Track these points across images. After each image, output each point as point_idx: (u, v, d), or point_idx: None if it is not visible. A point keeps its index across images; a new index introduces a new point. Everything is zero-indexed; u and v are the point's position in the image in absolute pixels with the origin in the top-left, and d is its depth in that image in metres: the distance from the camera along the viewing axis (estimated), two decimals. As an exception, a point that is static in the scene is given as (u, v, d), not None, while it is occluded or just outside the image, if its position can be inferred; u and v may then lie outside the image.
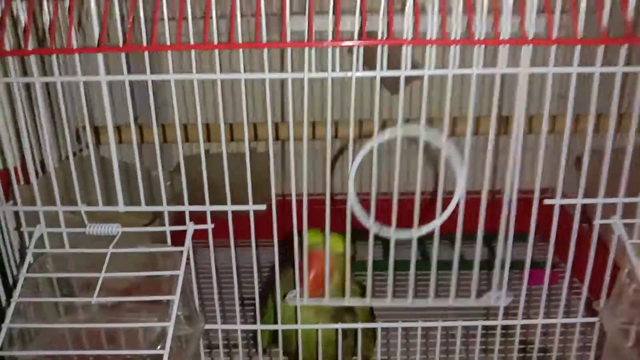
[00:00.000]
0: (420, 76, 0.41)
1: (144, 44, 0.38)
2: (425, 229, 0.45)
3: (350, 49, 0.40)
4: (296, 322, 0.49)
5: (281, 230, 0.47)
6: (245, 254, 0.48)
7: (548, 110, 0.43)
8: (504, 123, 0.58)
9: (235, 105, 0.45)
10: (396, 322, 0.50)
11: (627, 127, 0.43)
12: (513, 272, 0.49)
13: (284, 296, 0.49)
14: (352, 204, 0.44)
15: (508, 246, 0.46)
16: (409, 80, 0.41)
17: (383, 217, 0.46)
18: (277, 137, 0.56)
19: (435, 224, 0.45)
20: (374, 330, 0.55)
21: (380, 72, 0.41)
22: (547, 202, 0.45)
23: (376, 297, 0.49)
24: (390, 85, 0.47)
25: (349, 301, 0.49)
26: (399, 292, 0.49)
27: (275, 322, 0.50)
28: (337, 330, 0.50)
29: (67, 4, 0.37)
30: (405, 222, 0.46)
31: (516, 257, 0.48)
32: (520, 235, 0.47)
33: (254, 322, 0.50)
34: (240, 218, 0.47)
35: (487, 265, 0.49)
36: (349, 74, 0.40)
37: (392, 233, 0.45)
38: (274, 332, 0.51)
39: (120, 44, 0.39)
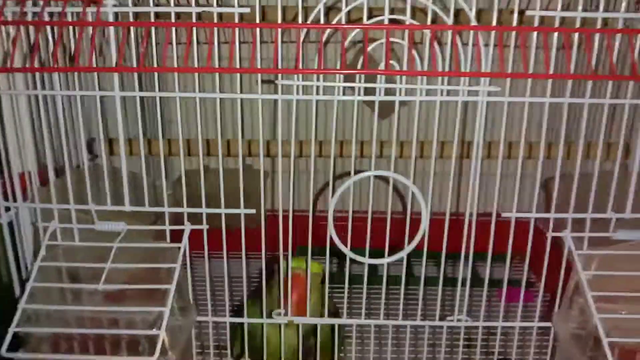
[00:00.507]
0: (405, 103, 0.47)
1: (155, 65, 0.45)
2: (394, 257, 0.51)
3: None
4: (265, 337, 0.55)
5: (271, 244, 0.53)
6: (237, 265, 0.54)
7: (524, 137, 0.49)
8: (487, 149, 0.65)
9: (234, 122, 0.51)
10: (369, 320, 0.56)
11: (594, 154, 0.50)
12: (492, 290, 0.55)
13: (270, 313, 0.55)
14: (331, 233, 0.51)
15: (468, 267, 0.52)
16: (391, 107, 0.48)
17: (360, 237, 0.52)
18: (268, 154, 0.62)
19: (403, 254, 0.51)
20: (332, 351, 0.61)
21: (378, 97, 0.47)
22: (504, 214, 0.51)
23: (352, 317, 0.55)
24: (380, 111, 0.53)
25: (324, 320, 0.55)
26: (374, 309, 0.55)
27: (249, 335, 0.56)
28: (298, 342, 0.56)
29: (90, 30, 0.43)
30: (380, 241, 0.52)
31: (496, 276, 0.55)
32: (500, 256, 0.53)
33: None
34: (234, 233, 0.52)
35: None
36: (334, 97, 0.47)
37: (366, 259, 0.51)
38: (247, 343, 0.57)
39: (134, 64, 0.46)
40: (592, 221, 0.52)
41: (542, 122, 0.48)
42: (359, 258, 0.52)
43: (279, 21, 0.45)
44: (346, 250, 0.51)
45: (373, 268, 0.53)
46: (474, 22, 0.44)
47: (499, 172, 0.50)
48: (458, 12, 0.46)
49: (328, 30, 0.45)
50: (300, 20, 0.46)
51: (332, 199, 0.50)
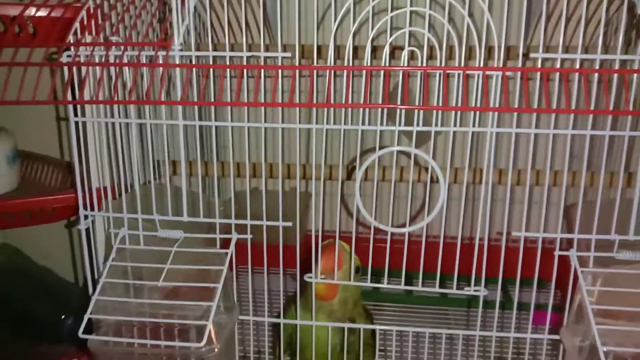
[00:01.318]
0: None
1: (212, 99, 0.54)
2: (416, 227, 0.55)
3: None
4: (309, 333, 0.61)
5: (305, 260, 0.60)
6: (275, 280, 0.61)
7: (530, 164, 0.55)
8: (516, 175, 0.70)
9: (274, 148, 0.59)
10: (391, 326, 0.62)
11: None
12: (521, 313, 0.60)
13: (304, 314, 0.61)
14: (358, 203, 0.56)
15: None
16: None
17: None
18: (304, 176, 0.70)
19: (423, 224, 0.56)
20: (374, 348, 0.66)
21: (416, 127, 0.54)
22: (514, 234, 0.56)
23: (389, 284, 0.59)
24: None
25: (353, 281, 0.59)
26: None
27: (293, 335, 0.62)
28: (342, 344, 0.61)
29: (160, 71, 0.53)
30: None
31: (524, 300, 0.60)
32: (527, 280, 0.58)
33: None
34: (273, 248, 0.60)
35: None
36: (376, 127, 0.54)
37: (389, 228, 0.56)
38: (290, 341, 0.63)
39: (196, 97, 0.55)
40: (600, 243, 0.57)
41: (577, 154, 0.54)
42: (382, 226, 0.56)
43: (315, 62, 0.53)
44: (372, 219, 0.57)
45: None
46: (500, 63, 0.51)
47: (526, 198, 0.56)
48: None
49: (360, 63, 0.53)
50: (331, 58, 0.54)
51: (358, 171, 0.56)
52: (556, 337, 0.59)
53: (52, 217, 0.70)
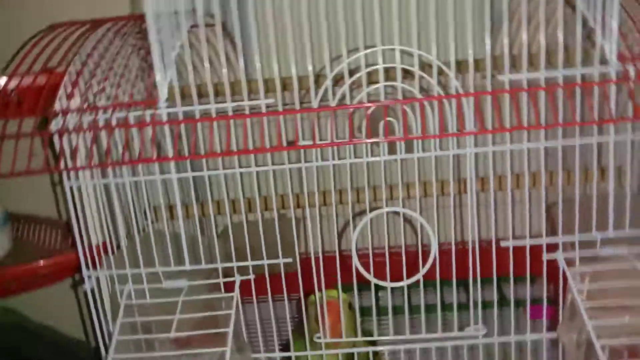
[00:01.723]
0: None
1: (202, 153, 0.56)
2: (412, 280, 0.60)
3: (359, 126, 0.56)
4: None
5: (306, 284, 0.63)
6: (280, 306, 0.64)
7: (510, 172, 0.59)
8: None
9: (267, 183, 0.62)
10: (398, 345, 0.64)
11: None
12: (518, 310, 0.63)
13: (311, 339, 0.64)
14: (356, 264, 0.60)
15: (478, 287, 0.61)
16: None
17: (381, 269, 0.61)
18: (298, 205, 0.72)
19: (419, 276, 0.60)
20: None
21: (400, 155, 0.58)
22: (502, 244, 0.60)
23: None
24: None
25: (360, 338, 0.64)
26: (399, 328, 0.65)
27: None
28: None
29: (149, 131, 0.55)
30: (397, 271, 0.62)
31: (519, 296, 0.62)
32: (520, 278, 0.61)
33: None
34: (275, 277, 0.63)
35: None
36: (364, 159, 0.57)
37: (388, 284, 0.61)
38: None
39: (186, 149, 0.57)
40: (584, 242, 0.60)
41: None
42: (381, 283, 0.61)
43: (297, 106, 0.56)
44: (370, 277, 0.60)
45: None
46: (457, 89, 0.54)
47: (509, 207, 0.59)
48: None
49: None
50: (312, 92, 0.57)
51: (354, 232, 0.60)
52: (554, 335, 0.62)
53: (53, 279, 0.71)
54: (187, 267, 0.62)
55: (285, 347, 0.68)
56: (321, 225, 0.64)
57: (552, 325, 0.63)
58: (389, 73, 0.65)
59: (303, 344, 0.65)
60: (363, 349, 0.65)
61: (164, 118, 0.57)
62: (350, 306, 0.66)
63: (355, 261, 0.60)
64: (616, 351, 0.55)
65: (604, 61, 0.55)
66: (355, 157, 0.59)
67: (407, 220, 0.78)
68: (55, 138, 0.57)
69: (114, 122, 0.57)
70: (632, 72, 0.53)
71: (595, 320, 0.55)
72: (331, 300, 0.63)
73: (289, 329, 0.64)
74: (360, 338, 0.64)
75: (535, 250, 0.60)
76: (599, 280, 0.58)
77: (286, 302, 0.63)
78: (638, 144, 0.62)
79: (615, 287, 0.57)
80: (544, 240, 0.60)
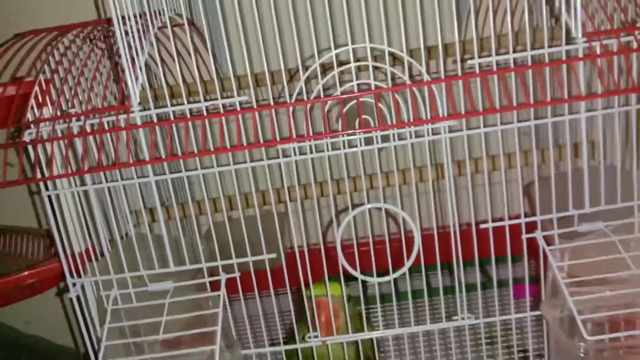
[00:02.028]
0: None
1: (179, 154, 0.56)
2: (398, 273, 0.61)
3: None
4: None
5: (292, 278, 0.63)
6: (267, 301, 0.64)
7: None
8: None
9: (247, 180, 0.62)
10: (386, 331, 0.65)
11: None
12: (502, 290, 0.64)
13: (302, 337, 0.64)
14: (341, 261, 0.61)
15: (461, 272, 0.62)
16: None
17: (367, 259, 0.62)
18: (280, 201, 0.73)
19: (404, 269, 0.61)
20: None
21: (377, 145, 0.58)
22: (482, 226, 0.60)
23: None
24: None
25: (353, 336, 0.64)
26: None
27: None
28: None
29: (124, 135, 0.55)
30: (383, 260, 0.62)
31: (503, 277, 0.64)
32: (502, 258, 0.62)
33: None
34: (261, 273, 0.63)
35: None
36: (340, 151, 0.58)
37: (375, 279, 0.62)
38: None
39: (162, 151, 0.57)
40: (562, 218, 0.61)
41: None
42: (368, 279, 0.61)
43: (271, 102, 0.56)
44: (356, 273, 0.61)
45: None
46: (427, 78, 0.55)
47: (487, 189, 0.60)
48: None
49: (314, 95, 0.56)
50: (286, 89, 0.57)
51: (338, 230, 0.60)
52: (538, 313, 0.63)
53: (38, 289, 0.70)
54: (172, 268, 0.62)
55: (275, 343, 0.68)
56: (305, 219, 0.64)
57: (536, 304, 0.64)
58: (361, 69, 0.66)
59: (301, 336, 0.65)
60: (358, 336, 0.65)
61: (138, 122, 0.57)
62: (350, 298, 0.66)
63: (341, 258, 0.61)
64: (598, 324, 0.56)
65: (571, 39, 0.56)
66: (333, 150, 0.59)
67: (389, 213, 0.79)
68: (30, 148, 0.57)
69: (88, 129, 0.57)
70: (597, 48, 0.54)
71: (576, 296, 0.56)
72: (320, 300, 0.63)
73: (278, 324, 0.64)
74: (350, 336, 0.65)
75: (517, 231, 0.61)
76: (579, 256, 0.59)
77: (273, 297, 0.64)
78: (608, 118, 0.63)
79: (594, 262, 0.58)
80: (523, 220, 0.61)
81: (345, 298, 0.65)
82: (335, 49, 0.56)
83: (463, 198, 0.63)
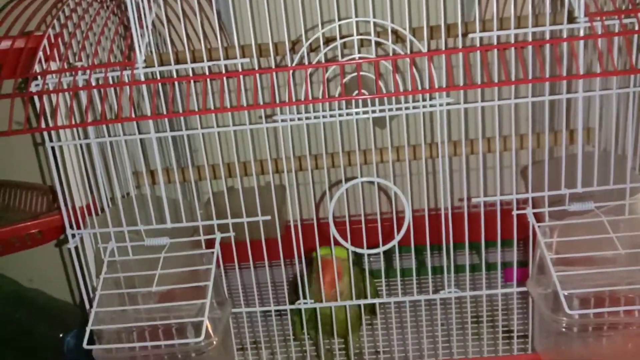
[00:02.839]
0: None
1: (180, 110, 0.57)
2: (388, 246, 0.62)
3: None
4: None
5: (287, 250, 0.64)
6: (261, 273, 0.65)
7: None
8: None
9: (246, 146, 0.63)
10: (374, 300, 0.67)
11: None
12: (490, 273, 0.66)
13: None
14: (333, 232, 0.62)
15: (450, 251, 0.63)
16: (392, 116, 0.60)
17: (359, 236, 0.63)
18: (276, 170, 0.74)
19: (394, 242, 0.62)
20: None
21: (373, 114, 0.59)
22: (474, 200, 0.61)
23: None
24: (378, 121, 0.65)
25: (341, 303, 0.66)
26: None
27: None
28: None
29: (127, 90, 0.56)
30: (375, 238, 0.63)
31: (493, 260, 0.65)
32: (493, 242, 0.63)
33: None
34: (256, 243, 0.64)
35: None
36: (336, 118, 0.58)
37: (365, 250, 0.63)
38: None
39: (164, 109, 0.58)
40: (554, 198, 0.62)
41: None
42: (358, 250, 0.63)
43: (273, 62, 0.57)
44: (347, 244, 0.62)
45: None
46: (424, 49, 0.55)
47: (480, 164, 0.61)
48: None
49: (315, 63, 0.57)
50: (289, 57, 0.58)
51: (330, 202, 0.62)
52: (524, 289, 0.64)
53: (39, 240, 0.72)
54: (169, 225, 0.63)
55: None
56: (299, 193, 0.65)
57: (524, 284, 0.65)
58: (363, 44, 0.66)
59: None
60: (346, 303, 0.67)
61: (142, 78, 0.58)
62: (355, 263, 0.67)
63: (332, 229, 0.62)
64: (583, 300, 0.57)
65: (573, 19, 0.57)
66: (330, 117, 0.60)
67: (382, 188, 0.80)
68: (36, 99, 0.58)
69: (93, 82, 0.58)
70: (599, 28, 0.54)
71: (561, 272, 0.57)
72: (327, 260, 0.64)
73: (270, 293, 0.66)
74: (338, 303, 0.66)
75: (509, 213, 0.62)
76: (567, 234, 0.60)
77: (267, 266, 0.65)
78: (606, 99, 0.64)
79: (583, 241, 0.59)
80: (514, 197, 0.61)
81: (350, 261, 0.66)
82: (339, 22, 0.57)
83: (456, 177, 0.64)
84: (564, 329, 0.57)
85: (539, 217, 0.62)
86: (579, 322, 0.57)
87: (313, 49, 0.66)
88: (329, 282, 0.65)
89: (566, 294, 0.55)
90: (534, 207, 0.62)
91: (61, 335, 0.81)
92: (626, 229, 0.59)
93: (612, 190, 0.62)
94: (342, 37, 0.57)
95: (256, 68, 0.57)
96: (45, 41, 0.61)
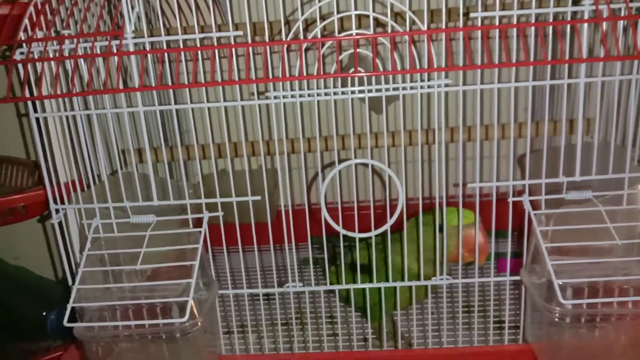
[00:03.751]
0: (396, 97, 0.57)
1: (169, 83, 0.55)
2: (380, 230, 0.61)
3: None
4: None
5: (276, 237, 0.63)
6: (250, 257, 0.64)
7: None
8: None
9: (237, 126, 0.61)
10: (365, 284, 0.65)
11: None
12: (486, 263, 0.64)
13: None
14: (324, 214, 0.60)
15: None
16: (388, 100, 0.58)
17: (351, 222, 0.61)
18: (268, 152, 0.72)
19: (386, 227, 0.60)
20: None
21: (368, 94, 0.57)
22: (470, 185, 0.60)
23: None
24: (374, 106, 0.63)
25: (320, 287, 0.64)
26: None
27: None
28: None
29: (116, 60, 0.54)
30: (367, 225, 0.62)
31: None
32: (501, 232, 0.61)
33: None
34: (246, 227, 0.62)
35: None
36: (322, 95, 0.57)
37: (356, 234, 0.61)
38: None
39: (153, 84, 0.56)
40: (551, 187, 0.60)
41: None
42: (350, 234, 0.61)
43: (267, 38, 0.55)
44: (339, 227, 0.61)
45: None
46: (424, 27, 0.54)
47: (478, 151, 0.59)
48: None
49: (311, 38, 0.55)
50: (283, 34, 0.56)
51: (322, 185, 0.60)
52: (517, 278, 0.63)
53: (23, 215, 0.70)
54: (155, 202, 0.61)
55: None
56: (291, 177, 0.63)
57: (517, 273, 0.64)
58: (362, 25, 0.64)
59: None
60: (328, 287, 0.65)
61: (131, 49, 0.56)
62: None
63: (324, 211, 0.60)
64: (577, 290, 0.56)
65: (578, 1, 0.55)
66: (325, 96, 0.58)
67: (376, 173, 0.78)
68: (20, 68, 0.56)
69: (79, 52, 0.56)
70: (605, 11, 0.53)
71: (555, 260, 0.56)
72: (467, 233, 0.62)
73: (259, 278, 0.64)
74: (316, 287, 0.65)
75: (505, 204, 0.60)
76: (564, 223, 0.59)
77: (256, 250, 0.63)
78: (607, 88, 0.62)
79: (579, 230, 0.58)
80: (510, 183, 0.60)
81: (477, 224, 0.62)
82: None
83: (452, 164, 0.62)
84: (556, 319, 0.56)
85: (535, 206, 0.61)
86: (572, 313, 0.56)
87: (309, 24, 0.65)
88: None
89: (560, 283, 0.54)
90: (530, 195, 0.60)
91: (45, 313, 0.79)
92: (623, 219, 0.58)
93: (611, 181, 0.60)
94: (338, 14, 0.56)
95: (249, 39, 0.56)
96: (31, 8, 0.59)
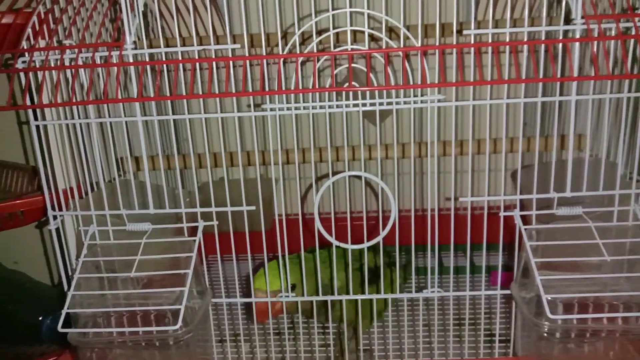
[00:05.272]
0: (390, 112, 0.58)
1: (168, 94, 0.56)
2: (372, 242, 0.61)
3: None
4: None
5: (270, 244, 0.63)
6: (244, 266, 0.64)
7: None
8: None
9: (232, 138, 0.61)
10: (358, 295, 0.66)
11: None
12: (474, 277, 0.65)
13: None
14: (317, 224, 0.61)
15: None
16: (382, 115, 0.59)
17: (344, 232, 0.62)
18: (263, 162, 0.73)
19: (379, 239, 0.61)
20: None
21: (363, 108, 0.58)
22: (461, 200, 0.61)
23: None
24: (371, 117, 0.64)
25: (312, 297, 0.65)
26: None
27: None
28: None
29: (115, 70, 0.55)
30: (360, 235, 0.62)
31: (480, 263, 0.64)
32: (478, 245, 0.62)
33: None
34: (240, 236, 0.63)
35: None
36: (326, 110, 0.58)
37: (349, 246, 0.62)
38: None
39: (152, 94, 0.57)
40: (542, 202, 0.61)
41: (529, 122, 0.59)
42: (342, 245, 0.62)
43: (264, 51, 0.56)
44: (331, 238, 0.62)
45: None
46: (418, 44, 0.55)
47: (470, 165, 0.60)
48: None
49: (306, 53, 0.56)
50: (280, 47, 0.57)
51: (316, 197, 0.61)
52: (508, 291, 0.63)
53: (21, 221, 0.71)
54: (151, 210, 0.62)
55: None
56: (285, 187, 0.64)
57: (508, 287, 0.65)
58: (357, 40, 0.66)
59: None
60: (319, 298, 0.66)
61: (130, 59, 0.57)
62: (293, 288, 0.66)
63: (317, 222, 0.61)
64: (567, 306, 0.57)
65: (570, 20, 0.56)
66: (320, 108, 0.59)
67: (369, 185, 0.79)
68: (22, 76, 0.57)
69: (80, 62, 0.57)
70: (595, 31, 0.54)
71: (545, 275, 0.56)
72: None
73: (252, 286, 0.65)
74: (308, 298, 0.66)
75: (497, 217, 0.61)
76: (554, 239, 0.60)
77: (249, 259, 0.64)
78: (598, 105, 0.63)
79: (569, 245, 0.59)
80: (502, 197, 0.61)
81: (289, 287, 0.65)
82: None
83: (445, 177, 0.63)
84: (545, 334, 0.57)
85: (526, 221, 0.62)
86: (562, 328, 0.56)
87: (305, 39, 0.66)
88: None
89: (549, 298, 0.54)
90: (522, 210, 0.61)
91: (40, 317, 0.80)
92: (613, 235, 0.59)
93: (602, 197, 0.61)
94: (334, 29, 0.57)
95: (247, 52, 0.57)
96: (34, 18, 0.60)
